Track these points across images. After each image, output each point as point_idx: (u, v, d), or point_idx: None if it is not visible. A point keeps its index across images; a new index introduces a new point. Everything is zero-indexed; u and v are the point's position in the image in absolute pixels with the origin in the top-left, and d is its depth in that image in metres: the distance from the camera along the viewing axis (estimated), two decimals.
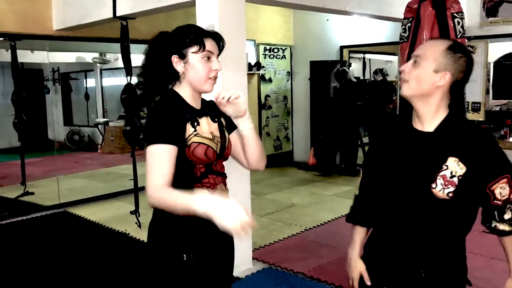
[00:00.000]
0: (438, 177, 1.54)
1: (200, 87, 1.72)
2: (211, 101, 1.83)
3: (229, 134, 1.84)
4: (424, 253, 1.62)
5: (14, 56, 5.84)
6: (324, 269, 3.79)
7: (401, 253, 1.66)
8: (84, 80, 9.67)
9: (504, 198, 1.57)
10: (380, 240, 1.74)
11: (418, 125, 1.63)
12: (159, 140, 1.59)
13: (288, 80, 8.38)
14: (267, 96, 8.07)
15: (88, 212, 5.62)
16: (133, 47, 5.02)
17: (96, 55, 8.24)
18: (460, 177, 1.53)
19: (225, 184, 1.81)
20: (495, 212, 1.61)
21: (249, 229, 1.38)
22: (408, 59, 1.75)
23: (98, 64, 8.77)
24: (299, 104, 8.29)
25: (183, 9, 4.64)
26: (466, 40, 4.34)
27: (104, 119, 9.16)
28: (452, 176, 1.53)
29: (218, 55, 1.75)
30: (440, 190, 1.54)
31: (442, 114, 1.60)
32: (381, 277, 1.73)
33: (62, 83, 9.11)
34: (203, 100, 1.82)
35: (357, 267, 1.80)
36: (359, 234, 1.84)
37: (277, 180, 7.21)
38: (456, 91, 1.61)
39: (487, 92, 6.62)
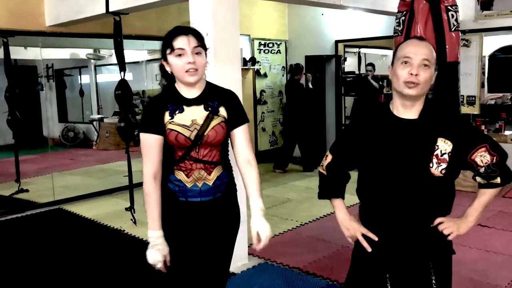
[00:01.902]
0: (433, 157, 1.71)
1: (183, 80, 1.95)
2: (228, 90, 2.06)
3: (229, 129, 2.00)
4: (425, 230, 1.76)
5: (6, 52, 5.81)
6: (320, 264, 3.77)
7: (406, 235, 1.77)
8: (79, 76, 9.59)
9: (486, 164, 1.74)
10: (379, 223, 1.84)
11: (401, 114, 1.79)
12: (143, 129, 1.95)
13: (283, 75, 8.37)
14: (262, 91, 8.06)
15: (83, 209, 5.60)
16: (126, 42, 4.98)
17: (90, 51, 8.17)
18: (449, 154, 1.72)
19: (209, 172, 1.96)
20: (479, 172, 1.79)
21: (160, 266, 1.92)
22: None
23: (92, 60, 8.71)
24: None
25: (176, 4, 4.62)
26: (460, 33, 4.33)
27: (99, 116, 9.10)
28: (442, 154, 1.72)
29: (202, 45, 1.92)
30: (435, 169, 1.72)
31: (422, 102, 1.79)
32: (382, 265, 1.82)
33: (56, 79, 9.04)
34: (211, 88, 2.02)
35: (356, 227, 1.89)
36: (339, 202, 2.00)
37: (273, 175, 7.21)
38: None
39: (482, 85, 6.63)
